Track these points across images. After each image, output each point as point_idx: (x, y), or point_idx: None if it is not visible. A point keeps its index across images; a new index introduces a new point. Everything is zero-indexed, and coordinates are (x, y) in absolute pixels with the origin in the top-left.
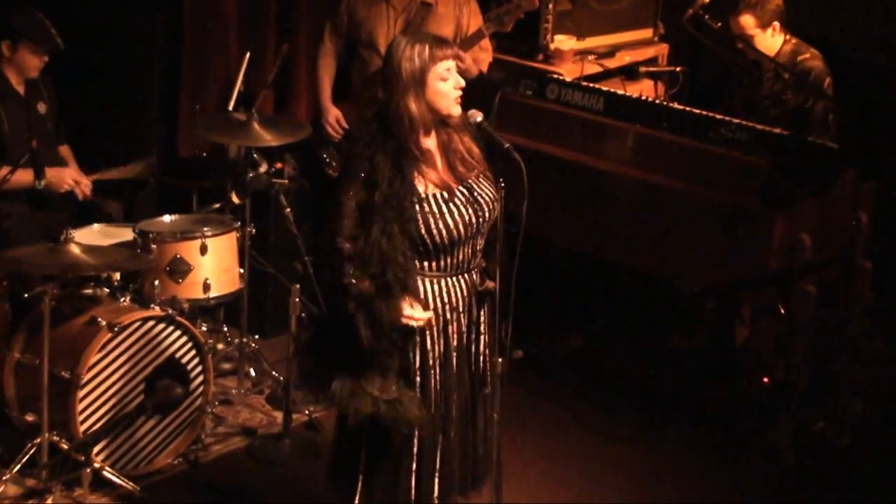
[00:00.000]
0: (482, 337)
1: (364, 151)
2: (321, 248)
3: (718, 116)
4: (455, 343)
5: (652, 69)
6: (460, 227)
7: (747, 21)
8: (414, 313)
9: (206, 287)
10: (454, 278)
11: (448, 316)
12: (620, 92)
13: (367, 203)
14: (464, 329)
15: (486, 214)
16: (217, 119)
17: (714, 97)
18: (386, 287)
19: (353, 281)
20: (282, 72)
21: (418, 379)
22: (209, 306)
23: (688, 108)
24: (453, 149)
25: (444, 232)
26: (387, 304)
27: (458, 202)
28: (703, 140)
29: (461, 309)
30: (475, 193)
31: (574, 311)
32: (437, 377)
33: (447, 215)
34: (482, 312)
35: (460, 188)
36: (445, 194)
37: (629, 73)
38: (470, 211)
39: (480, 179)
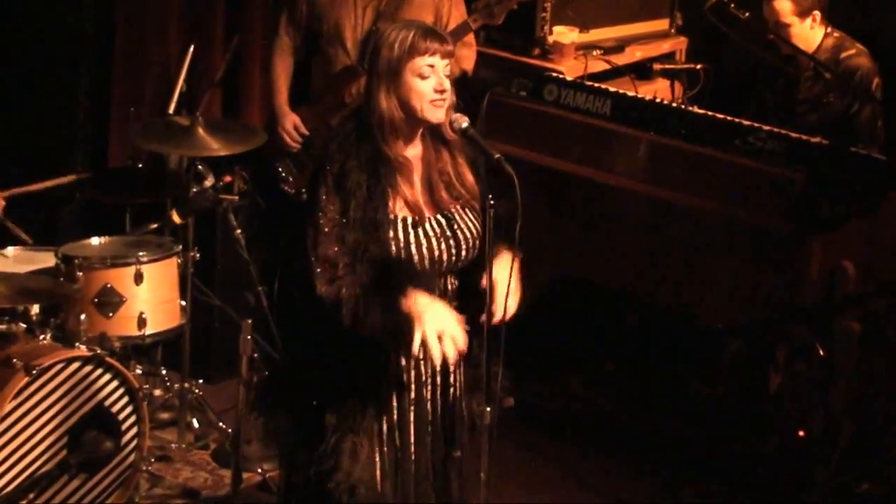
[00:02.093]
0: (452, 389)
1: (336, 154)
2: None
3: (746, 123)
4: (413, 395)
5: (668, 66)
6: (425, 262)
7: (783, 6)
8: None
9: (142, 322)
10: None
11: (403, 363)
12: (631, 93)
13: (341, 216)
14: (425, 379)
15: (463, 253)
16: (155, 124)
17: (741, 100)
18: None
19: (343, 289)
20: (231, 68)
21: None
22: (145, 345)
23: (710, 113)
24: (440, 169)
25: (403, 264)
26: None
27: (430, 232)
28: (728, 150)
29: (421, 355)
30: (454, 226)
31: (575, 351)
32: (393, 439)
33: (412, 245)
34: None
35: (437, 217)
36: (415, 219)
37: (641, 71)
38: (442, 246)
39: (465, 211)
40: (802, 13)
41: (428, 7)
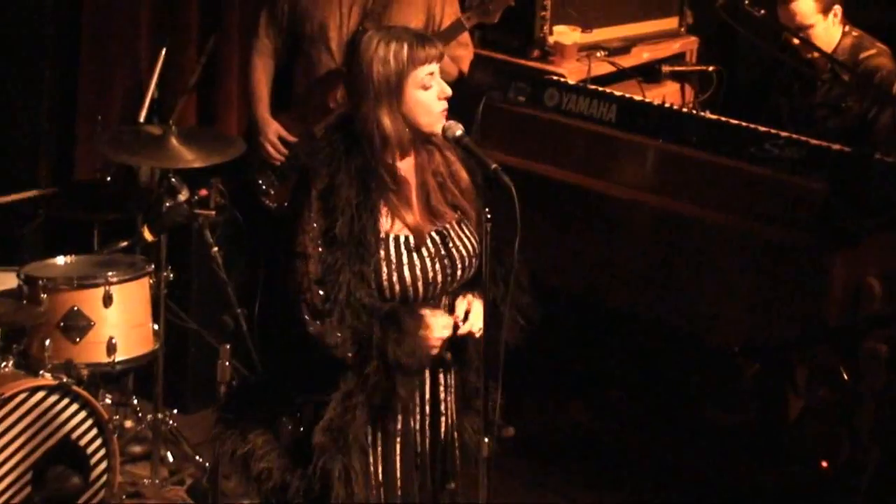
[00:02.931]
0: (443, 417)
1: (322, 169)
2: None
3: (762, 129)
4: (399, 426)
5: (678, 68)
6: (419, 283)
7: (806, 6)
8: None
9: (111, 348)
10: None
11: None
12: (637, 98)
13: (328, 235)
14: (412, 406)
15: (458, 273)
16: (124, 133)
17: (756, 104)
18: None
19: (337, 333)
20: (207, 73)
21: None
22: (115, 372)
23: (723, 119)
24: (433, 170)
25: (396, 286)
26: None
27: (426, 253)
28: (743, 158)
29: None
30: (449, 244)
31: (578, 375)
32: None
33: (405, 266)
34: (446, 383)
35: (432, 234)
36: (413, 240)
37: (649, 73)
38: (437, 266)
39: (461, 226)
40: (825, 9)
41: (419, 7)
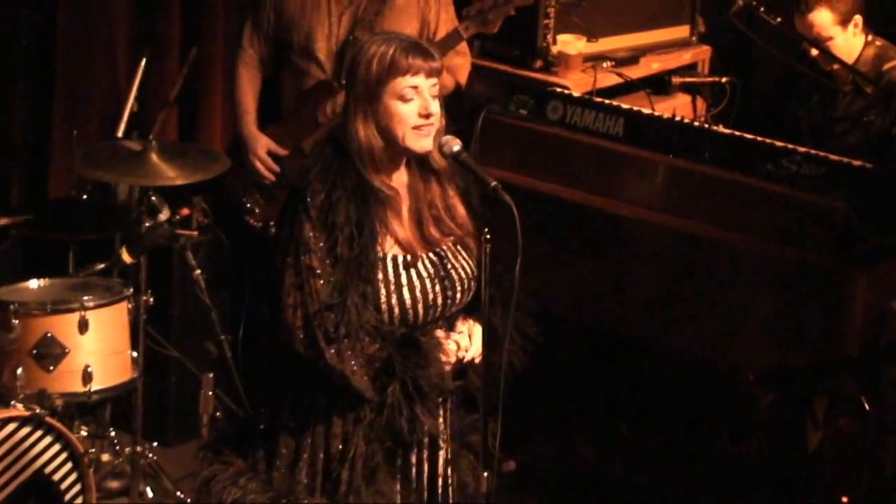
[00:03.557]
0: (441, 451)
1: (318, 185)
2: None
3: (779, 144)
4: (400, 462)
5: (689, 80)
6: (419, 306)
7: (823, 19)
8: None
9: (87, 377)
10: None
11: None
12: (646, 111)
13: (330, 255)
14: (410, 442)
15: (458, 296)
16: (102, 149)
17: (772, 117)
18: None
19: (355, 365)
20: (189, 84)
21: None
22: (91, 403)
23: (737, 133)
24: (429, 202)
25: (396, 309)
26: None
27: (423, 272)
28: (759, 175)
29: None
30: (448, 266)
31: (584, 407)
32: None
33: (405, 287)
34: (444, 415)
35: (429, 255)
36: (408, 258)
37: (658, 85)
38: (437, 287)
39: (458, 248)
40: (844, 20)
41: (412, 13)
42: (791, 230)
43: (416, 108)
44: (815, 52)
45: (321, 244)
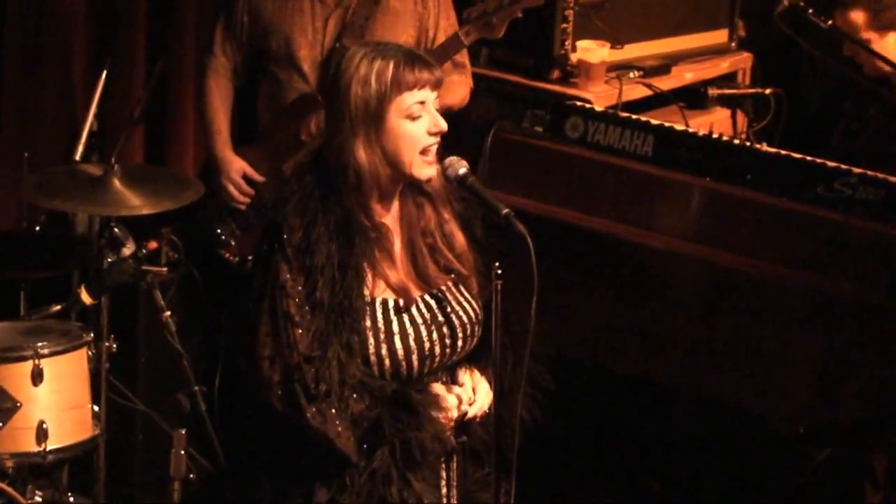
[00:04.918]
0: None
1: (295, 219)
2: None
3: (830, 164)
4: None
5: (728, 92)
6: (413, 357)
7: (856, 19)
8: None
9: (42, 434)
10: None
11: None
12: (679, 127)
13: (308, 300)
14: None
15: (459, 343)
16: (56, 175)
17: (823, 134)
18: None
19: (339, 426)
20: (156, 102)
21: None
22: (46, 464)
23: (783, 152)
24: (423, 229)
25: (387, 360)
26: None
27: (418, 318)
28: (808, 201)
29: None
30: (447, 309)
31: (609, 462)
32: None
33: (397, 335)
34: (448, 476)
35: (425, 297)
36: (400, 302)
37: (693, 97)
38: (434, 335)
39: (459, 288)
40: (884, 26)
41: (408, 17)
42: (844, 263)
43: (426, 125)
44: (858, 55)
45: (299, 288)
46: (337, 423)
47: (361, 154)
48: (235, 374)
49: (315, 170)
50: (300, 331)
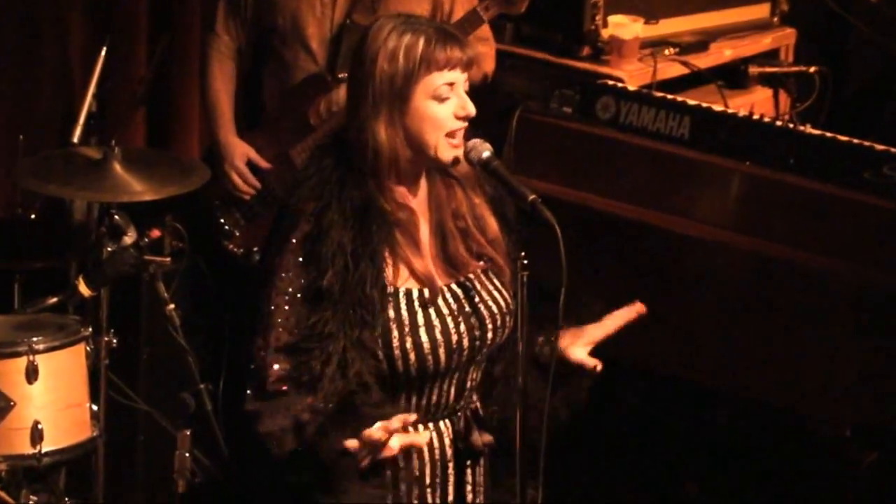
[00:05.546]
0: None
1: (308, 204)
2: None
3: (879, 147)
4: None
5: (769, 70)
6: (440, 351)
7: None
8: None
9: (37, 435)
10: (421, 427)
11: (403, 489)
12: (718, 108)
13: (311, 290)
14: None
15: (488, 335)
16: (53, 159)
17: (871, 115)
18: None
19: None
20: (159, 81)
21: None
22: (42, 467)
23: (829, 135)
24: (454, 211)
25: (411, 355)
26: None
27: (444, 309)
28: (855, 186)
29: (429, 480)
30: (475, 298)
31: (642, 467)
32: None
33: (422, 329)
34: (472, 479)
35: (452, 286)
36: (426, 294)
37: (733, 76)
38: (462, 327)
39: (489, 276)
40: None
41: None
42: (893, 254)
43: (453, 108)
44: None
45: (289, 274)
46: (283, 421)
47: (382, 133)
48: (241, 370)
49: (335, 151)
50: (275, 320)
